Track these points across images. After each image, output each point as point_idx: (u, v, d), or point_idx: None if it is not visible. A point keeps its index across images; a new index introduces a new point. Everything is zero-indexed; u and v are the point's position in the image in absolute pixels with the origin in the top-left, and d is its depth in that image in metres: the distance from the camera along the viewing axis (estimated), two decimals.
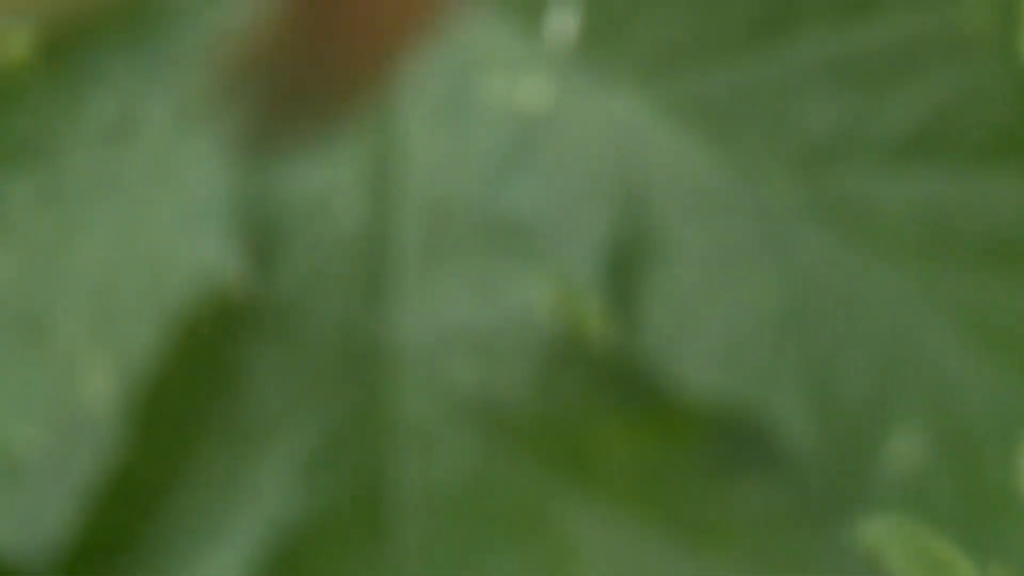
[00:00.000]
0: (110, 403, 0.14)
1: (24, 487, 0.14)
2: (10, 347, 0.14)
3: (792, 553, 0.14)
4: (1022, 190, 0.14)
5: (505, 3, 0.14)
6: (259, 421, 0.14)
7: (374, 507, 0.14)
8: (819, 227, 0.14)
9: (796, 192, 0.14)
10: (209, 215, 0.14)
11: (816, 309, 0.14)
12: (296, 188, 0.14)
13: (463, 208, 0.14)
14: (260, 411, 0.14)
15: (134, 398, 0.14)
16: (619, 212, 0.14)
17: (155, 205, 0.15)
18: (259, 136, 0.11)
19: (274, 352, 0.14)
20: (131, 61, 0.15)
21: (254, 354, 0.14)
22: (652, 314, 0.14)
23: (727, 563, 0.14)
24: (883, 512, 0.14)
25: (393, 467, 0.14)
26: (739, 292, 0.14)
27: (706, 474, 0.14)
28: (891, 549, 0.14)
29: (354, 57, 0.10)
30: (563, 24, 0.14)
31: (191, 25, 0.15)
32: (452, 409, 0.14)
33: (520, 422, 0.14)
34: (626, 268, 0.14)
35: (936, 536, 0.14)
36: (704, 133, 0.14)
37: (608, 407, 0.14)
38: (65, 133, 0.15)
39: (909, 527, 0.14)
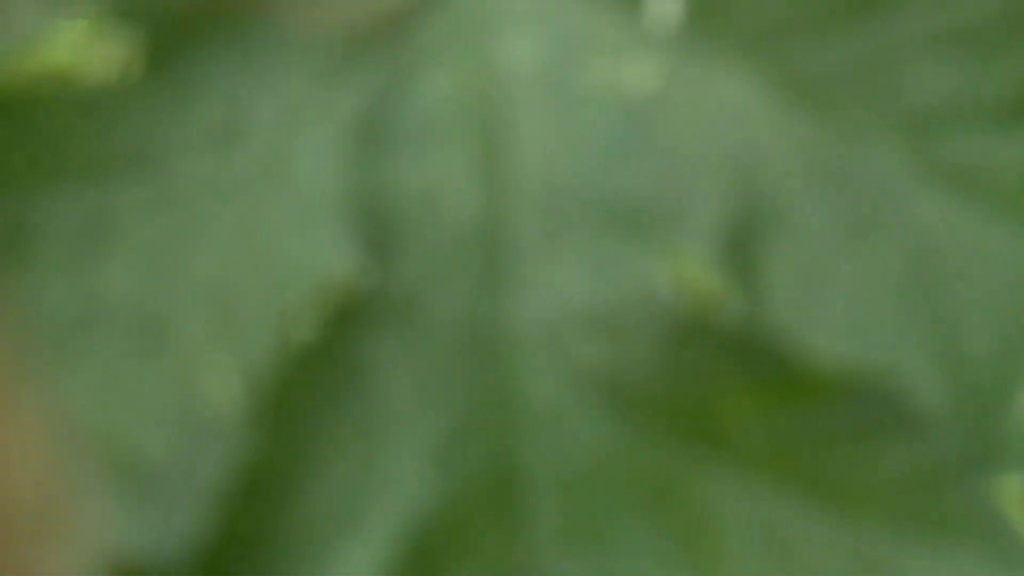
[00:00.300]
0: (235, 404, 0.14)
1: (154, 491, 0.14)
2: (133, 354, 0.14)
3: (928, 514, 0.14)
4: None
5: None
6: (387, 413, 0.14)
7: (507, 491, 0.14)
8: (933, 192, 0.14)
9: (907, 159, 0.14)
10: (323, 212, 0.14)
11: (938, 271, 0.14)
12: (409, 180, 0.15)
13: (577, 191, 0.14)
14: (387, 403, 0.14)
15: (259, 398, 0.14)
16: (734, 187, 0.14)
17: (268, 205, 0.15)
18: None
19: (398, 344, 0.14)
20: (236, 64, 0.15)
21: (378, 347, 0.14)
22: (775, 286, 0.14)
23: (864, 526, 0.14)
24: (1013, 471, 0.14)
25: (524, 450, 0.14)
26: (861, 259, 0.14)
27: (839, 439, 0.14)
28: (1019, 509, 0.14)
29: None
30: (666, 5, 0.14)
31: (293, 25, 0.15)
32: (579, 389, 0.14)
33: (648, 398, 0.14)
34: (745, 242, 0.14)
35: None
36: (812, 106, 0.14)
37: (736, 379, 0.14)
38: (174, 140, 0.15)
39: None
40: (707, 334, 0.14)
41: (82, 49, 0.15)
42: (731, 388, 0.14)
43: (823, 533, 0.14)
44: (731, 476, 0.14)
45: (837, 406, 0.14)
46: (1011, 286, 0.14)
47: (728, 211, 0.14)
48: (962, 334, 0.14)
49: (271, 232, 0.15)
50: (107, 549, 0.14)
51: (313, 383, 0.14)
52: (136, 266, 0.15)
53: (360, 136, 0.15)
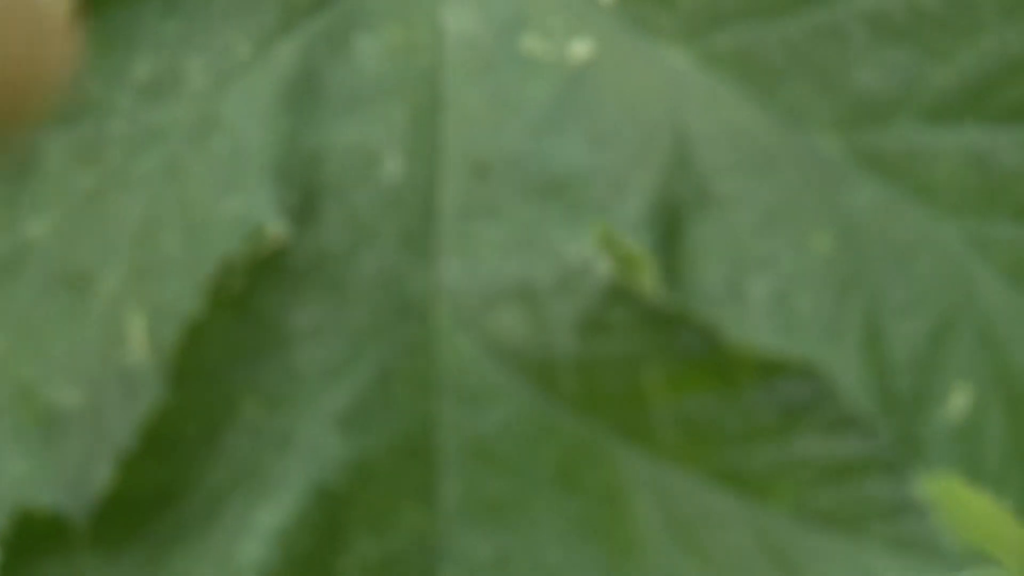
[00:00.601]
0: (150, 358, 0.14)
1: (66, 442, 0.14)
2: (52, 303, 0.14)
3: (840, 507, 0.14)
4: None
5: None
6: (301, 374, 0.14)
7: (417, 458, 0.14)
8: (869, 179, 0.14)
9: (843, 145, 0.14)
10: (251, 168, 0.14)
11: (868, 260, 0.14)
12: (339, 140, 0.14)
13: (506, 161, 0.14)
14: (302, 364, 0.14)
15: (175, 352, 0.14)
16: (666, 164, 0.14)
17: (196, 159, 0.14)
18: None
19: (317, 303, 0.14)
20: (170, 15, 0.15)
21: (297, 306, 0.14)
22: (701, 266, 0.14)
23: (773, 513, 0.14)
24: (937, 467, 0.14)
25: (436, 418, 0.14)
26: (789, 244, 0.14)
27: (757, 426, 0.14)
28: (944, 505, 0.14)
29: None
30: None
31: None
32: (498, 359, 0.14)
33: (566, 374, 0.14)
34: (674, 219, 0.14)
35: (988, 492, 0.14)
36: (750, 87, 0.14)
37: (657, 359, 0.14)
38: (105, 90, 0.15)
39: (960, 484, 0.14)
40: (631, 312, 0.14)
41: None
42: (651, 368, 0.14)
43: (733, 518, 0.14)
44: (644, 457, 0.14)
45: (757, 393, 0.14)
46: (940, 280, 0.13)
47: (659, 186, 0.14)
48: (888, 329, 0.13)
49: (197, 186, 0.14)
50: (16, 499, 0.14)
51: (230, 339, 0.14)
52: (59, 214, 0.14)
53: (293, 93, 0.14)
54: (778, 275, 0.14)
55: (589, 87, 0.14)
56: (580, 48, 0.14)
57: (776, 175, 0.14)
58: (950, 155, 0.14)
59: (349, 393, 0.14)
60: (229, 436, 0.14)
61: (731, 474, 0.14)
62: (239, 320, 0.14)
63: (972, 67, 0.14)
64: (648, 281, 0.14)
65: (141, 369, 0.14)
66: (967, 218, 0.14)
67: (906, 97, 0.14)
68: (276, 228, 0.14)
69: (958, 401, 0.14)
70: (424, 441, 0.14)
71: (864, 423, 0.14)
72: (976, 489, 0.14)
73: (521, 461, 0.14)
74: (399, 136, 0.14)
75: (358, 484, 0.14)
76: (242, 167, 0.14)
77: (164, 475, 0.14)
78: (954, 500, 0.15)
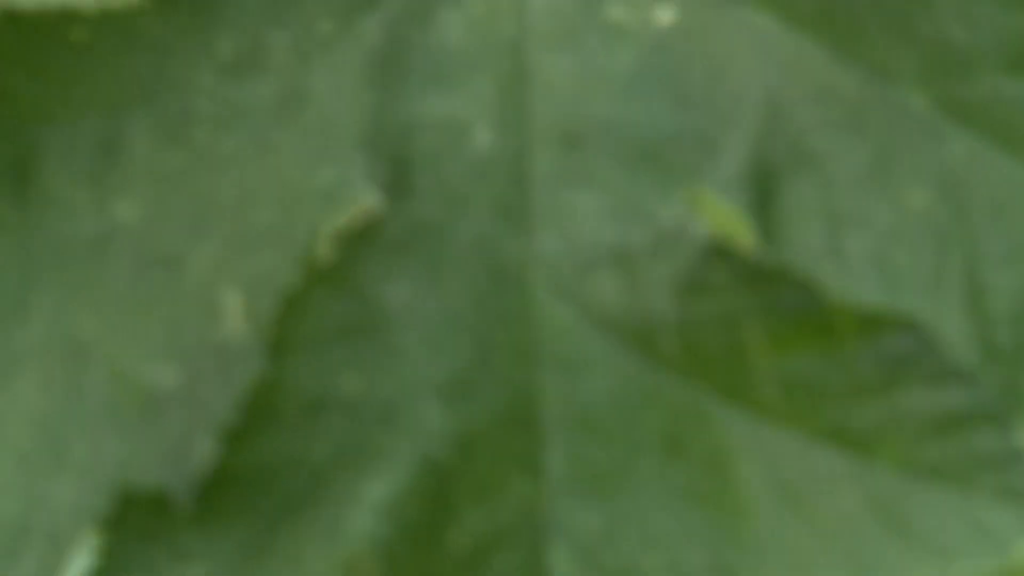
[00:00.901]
0: (247, 333, 0.14)
1: (164, 421, 0.14)
2: (144, 285, 0.14)
3: (945, 461, 0.14)
4: None
5: None
6: (400, 348, 0.14)
7: (523, 429, 0.14)
8: (958, 133, 0.14)
9: (931, 100, 0.14)
10: (340, 142, 0.14)
11: (965, 213, 0.14)
12: (428, 112, 0.14)
13: (596, 130, 0.14)
14: (400, 337, 0.14)
15: (271, 327, 0.14)
16: (758, 125, 0.14)
17: (285, 136, 0.14)
18: None
19: (413, 277, 0.14)
20: None
21: (393, 280, 0.14)
22: (799, 226, 0.14)
23: (879, 470, 0.14)
24: None
25: (539, 389, 0.14)
26: (886, 199, 0.14)
27: (861, 384, 0.13)
28: None
29: None
30: None
31: None
32: (597, 327, 0.14)
33: (667, 339, 0.14)
34: (769, 179, 0.14)
35: None
36: (835, 44, 0.14)
37: (758, 320, 0.14)
38: (188, 69, 0.15)
39: None
40: (729, 272, 0.14)
41: None
42: (753, 327, 0.14)
43: (839, 477, 0.13)
44: (748, 418, 0.14)
45: (860, 349, 0.13)
46: None
47: (750, 148, 0.14)
48: (988, 281, 0.13)
49: (288, 160, 0.14)
50: (116, 481, 0.13)
51: (327, 313, 0.14)
52: (148, 195, 0.14)
53: (378, 67, 0.14)
54: (876, 231, 0.14)
55: (675, 52, 0.14)
56: (664, 14, 0.14)
57: (868, 132, 0.14)
58: None
59: (449, 365, 0.14)
60: (331, 410, 0.13)
61: (836, 432, 0.14)
62: (335, 294, 0.14)
63: None
64: (745, 241, 0.14)
65: (238, 344, 0.14)
66: None
67: (990, 48, 0.14)
68: (369, 199, 0.14)
69: None
70: (527, 412, 0.14)
71: (968, 375, 0.14)
72: None
73: (625, 429, 0.14)
74: (487, 108, 0.14)
75: (464, 456, 0.13)
76: (332, 140, 0.14)
77: (267, 451, 0.13)
78: None
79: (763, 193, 0.14)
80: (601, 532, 0.14)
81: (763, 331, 0.14)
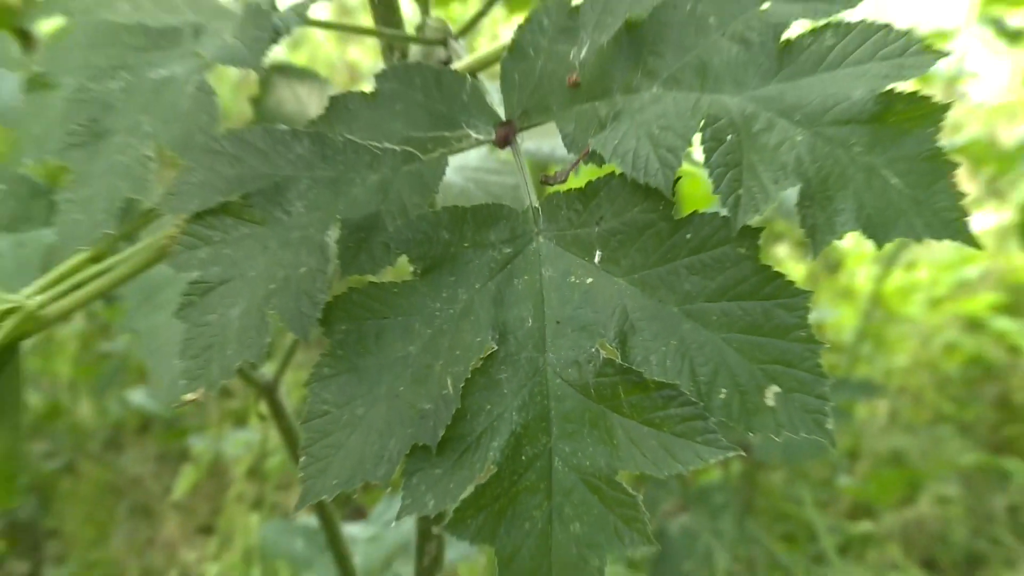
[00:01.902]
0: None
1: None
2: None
3: None
4: None
5: None
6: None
7: None
8: None
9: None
10: (483, 327, 0.43)
11: None
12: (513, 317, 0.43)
13: None
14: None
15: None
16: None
17: (464, 327, 0.43)
18: None
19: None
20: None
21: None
22: None
23: None
24: None
25: None
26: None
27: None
28: None
29: None
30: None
31: None
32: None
33: None
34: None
35: None
36: (655, 298, 0.42)
37: None
38: (430, 303, 0.44)
39: None
40: None
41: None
42: None
43: None
44: None
45: None
46: None
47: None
48: None
49: (464, 340, 0.43)
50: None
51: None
52: (419, 343, 0.43)
53: (498, 291, 0.43)
54: None
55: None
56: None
57: (673, 340, 0.42)
58: None
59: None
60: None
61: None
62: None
63: None
64: None
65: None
66: None
67: None
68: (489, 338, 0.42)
69: None
70: None
71: None
72: None
73: None
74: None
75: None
76: (482, 328, 0.43)
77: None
78: None
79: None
80: None
81: None
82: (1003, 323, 1.86)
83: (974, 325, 1.94)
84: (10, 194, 0.54)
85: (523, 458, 0.41)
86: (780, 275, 0.41)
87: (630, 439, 0.41)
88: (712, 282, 0.41)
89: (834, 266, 1.95)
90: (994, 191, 2.01)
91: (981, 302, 1.93)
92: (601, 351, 0.42)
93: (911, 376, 1.89)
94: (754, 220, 0.41)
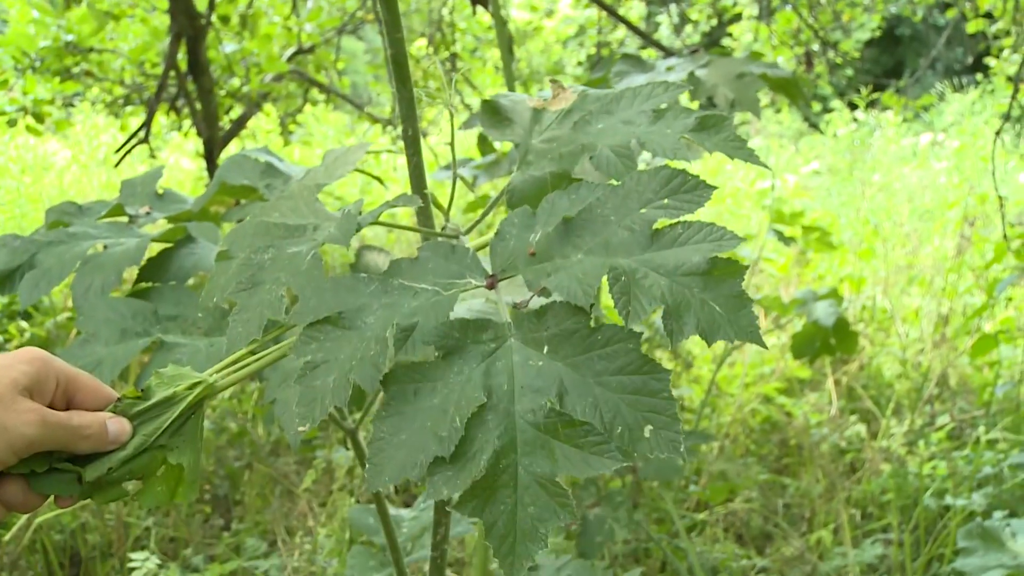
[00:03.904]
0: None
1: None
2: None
3: None
4: None
5: None
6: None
7: None
8: None
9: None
10: (474, 391, 0.72)
11: None
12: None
13: None
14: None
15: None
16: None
17: (452, 380, 0.72)
18: None
19: None
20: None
21: None
22: None
23: None
24: None
25: None
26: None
27: None
28: None
29: None
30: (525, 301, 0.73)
31: None
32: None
33: None
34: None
35: None
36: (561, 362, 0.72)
37: None
38: (444, 374, 0.73)
39: None
40: None
41: None
42: None
43: None
44: None
45: None
46: None
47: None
48: None
49: (453, 397, 0.72)
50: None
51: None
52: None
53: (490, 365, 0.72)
54: None
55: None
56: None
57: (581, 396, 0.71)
58: None
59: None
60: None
61: None
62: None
63: None
64: None
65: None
66: None
67: None
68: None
69: None
70: None
71: None
72: None
73: None
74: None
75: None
76: (472, 394, 0.72)
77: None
78: None
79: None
80: None
81: None
82: (782, 399, 3.39)
83: (767, 399, 3.43)
84: (207, 317, 0.86)
85: (500, 466, 0.69)
86: (653, 361, 0.70)
87: (565, 455, 0.68)
88: (613, 364, 0.71)
89: (689, 363, 3.35)
90: (779, 325, 3.65)
91: (771, 387, 3.44)
92: (547, 404, 0.70)
93: (732, 428, 3.24)
94: (638, 328, 0.71)
